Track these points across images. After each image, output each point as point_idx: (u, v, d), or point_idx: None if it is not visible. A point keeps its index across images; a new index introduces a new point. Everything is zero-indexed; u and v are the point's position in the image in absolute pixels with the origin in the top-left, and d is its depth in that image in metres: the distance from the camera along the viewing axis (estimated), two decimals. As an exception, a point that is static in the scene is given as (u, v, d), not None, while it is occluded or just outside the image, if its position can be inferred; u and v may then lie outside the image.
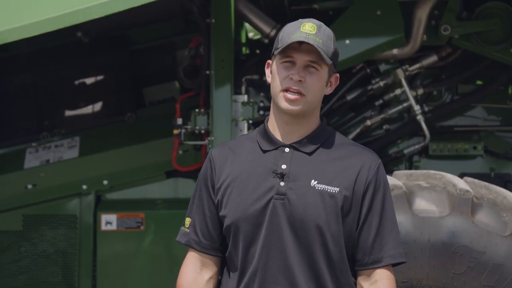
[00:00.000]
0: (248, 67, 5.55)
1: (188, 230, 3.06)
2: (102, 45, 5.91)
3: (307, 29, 2.90)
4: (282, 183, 2.89)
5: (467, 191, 4.08)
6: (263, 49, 5.74)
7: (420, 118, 5.37)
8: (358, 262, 2.94)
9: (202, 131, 5.35)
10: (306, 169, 2.91)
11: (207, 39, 5.29)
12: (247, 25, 5.79)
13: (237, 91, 5.37)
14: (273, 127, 2.98)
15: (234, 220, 2.92)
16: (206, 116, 5.28)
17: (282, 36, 2.93)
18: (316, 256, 2.87)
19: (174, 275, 5.48)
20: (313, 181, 2.89)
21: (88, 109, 5.99)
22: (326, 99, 5.56)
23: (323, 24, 2.95)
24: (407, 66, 5.37)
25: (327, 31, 2.94)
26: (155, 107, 6.02)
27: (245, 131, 5.24)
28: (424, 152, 5.53)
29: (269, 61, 3.02)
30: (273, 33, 5.24)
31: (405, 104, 5.43)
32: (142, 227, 5.51)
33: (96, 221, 5.55)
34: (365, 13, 5.14)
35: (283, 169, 2.91)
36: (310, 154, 2.93)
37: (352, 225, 2.91)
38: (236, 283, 2.94)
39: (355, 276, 2.98)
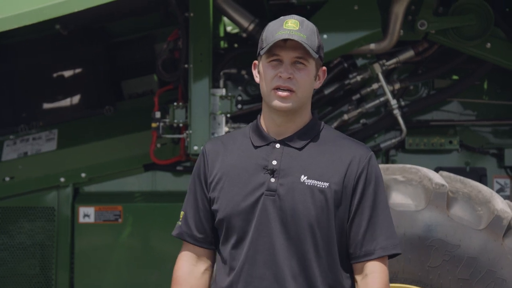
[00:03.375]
0: (226, 61, 5.55)
1: (180, 223, 3.09)
2: (81, 38, 5.90)
3: (290, 25, 2.91)
4: (272, 179, 2.91)
5: (443, 185, 4.11)
6: (242, 43, 5.75)
7: (396, 112, 5.40)
8: (352, 255, 2.94)
9: (180, 125, 5.36)
10: (296, 165, 2.92)
11: (185, 33, 5.30)
12: (225, 19, 5.80)
13: (215, 85, 5.38)
14: (265, 123, 3.00)
15: (225, 215, 2.94)
16: (184, 110, 5.29)
17: (266, 36, 2.94)
18: (305, 251, 2.88)
19: (152, 268, 5.54)
20: (302, 176, 2.91)
21: (66, 102, 5.98)
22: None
23: (305, 19, 2.97)
24: (384, 60, 5.41)
25: (310, 25, 2.96)
26: (134, 100, 6.02)
27: (223, 125, 5.26)
28: (400, 146, 5.57)
29: (256, 61, 3.03)
30: (251, 27, 5.25)
31: (382, 99, 5.46)
32: (120, 220, 5.51)
33: (74, 214, 5.54)
34: (342, 8, 5.17)
35: (273, 165, 2.92)
36: (300, 149, 2.95)
37: (343, 219, 2.92)
38: (226, 276, 2.96)
39: (351, 271, 2.98)
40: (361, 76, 5.44)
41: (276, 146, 2.95)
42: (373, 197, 2.94)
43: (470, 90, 5.62)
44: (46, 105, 6.01)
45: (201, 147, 5.13)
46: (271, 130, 2.98)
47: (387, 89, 5.40)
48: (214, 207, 2.98)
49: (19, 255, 5.56)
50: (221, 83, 5.45)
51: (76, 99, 6.01)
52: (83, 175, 5.65)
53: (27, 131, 5.86)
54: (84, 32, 5.89)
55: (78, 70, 6.03)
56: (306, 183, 2.90)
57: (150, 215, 5.52)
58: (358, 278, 2.94)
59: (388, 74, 5.55)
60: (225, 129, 5.27)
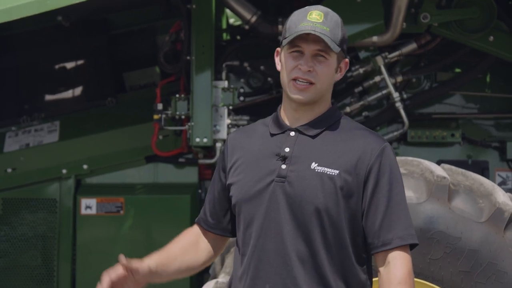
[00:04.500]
0: (228, 53, 5.56)
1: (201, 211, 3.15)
2: (83, 30, 5.90)
3: (314, 17, 2.88)
4: (283, 166, 2.90)
5: (444, 177, 4.11)
6: (244, 35, 5.75)
7: (399, 105, 5.40)
8: (370, 246, 2.91)
9: (182, 117, 5.36)
10: (308, 152, 2.91)
11: (188, 25, 5.30)
12: (228, 11, 5.80)
13: (217, 77, 5.38)
14: (284, 113, 2.99)
15: (237, 201, 2.95)
16: (186, 102, 5.29)
17: (289, 26, 2.92)
18: (313, 237, 2.86)
19: (154, 259, 5.53)
20: (313, 163, 2.89)
21: (68, 94, 5.99)
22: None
23: (330, 10, 2.93)
24: (386, 53, 5.40)
25: (334, 17, 2.92)
26: (136, 92, 6.02)
27: (225, 117, 5.26)
28: (402, 139, 5.57)
29: (278, 49, 3.01)
30: (253, 19, 5.24)
31: (384, 91, 5.46)
32: (121, 212, 5.51)
33: (75, 205, 5.55)
34: (345, 0, 5.16)
35: (286, 152, 2.92)
36: (313, 137, 2.93)
37: (356, 209, 2.89)
38: (239, 263, 2.97)
39: (369, 265, 2.96)
40: (363, 69, 5.44)
41: (291, 134, 2.95)
42: (388, 187, 2.89)
43: (473, 83, 5.62)
44: (48, 97, 6.01)
45: (203, 139, 5.17)
46: (289, 119, 2.97)
47: (389, 81, 5.40)
48: (230, 193, 3.00)
49: (21, 247, 5.57)
50: (223, 75, 5.45)
51: (78, 90, 6.01)
52: (85, 166, 5.65)
53: (29, 122, 5.86)
54: (86, 24, 5.89)
55: (80, 62, 6.03)
56: (316, 170, 2.88)
57: (152, 207, 5.53)
58: (380, 268, 2.90)
59: (390, 67, 5.55)
60: (227, 121, 5.28)
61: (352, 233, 2.90)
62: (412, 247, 2.92)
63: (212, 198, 3.09)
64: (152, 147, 5.54)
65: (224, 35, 5.88)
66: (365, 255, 2.95)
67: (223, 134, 5.26)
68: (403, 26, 5.22)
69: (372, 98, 5.48)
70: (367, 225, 2.90)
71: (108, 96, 5.84)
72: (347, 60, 3.01)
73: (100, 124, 5.81)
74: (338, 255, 2.88)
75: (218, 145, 5.30)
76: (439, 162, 5.00)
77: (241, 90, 5.63)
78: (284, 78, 2.93)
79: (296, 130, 2.95)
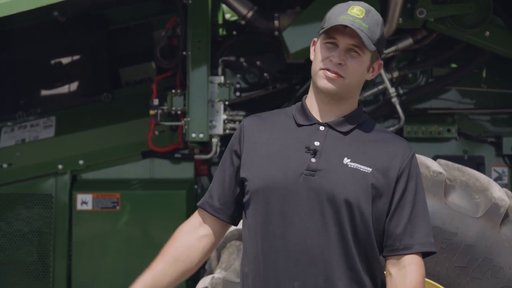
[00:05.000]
0: (225, 48, 5.55)
1: (205, 194, 3.07)
2: (79, 25, 5.89)
3: (355, 12, 2.86)
4: (313, 159, 2.86)
5: (440, 173, 4.11)
6: (240, 31, 5.74)
7: (395, 100, 5.40)
8: (388, 248, 2.90)
9: (179, 112, 5.36)
10: (340, 148, 2.88)
11: (184, 20, 5.29)
12: (224, 6, 5.79)
13: (213, 72, 5.38)
14: (310, 104, 2.95)
15: (259, 189, 2.88)
16: (183, 97, 5.29)
17: (329, 17, 2.89)
18: (344, 232, 2.82)
19: (149, 255, 5.49)
20: (346, 159, 2.86)
21: (64, 89, 5.98)
22: (302, 81, 5.59)
23: (372, 8, 2.91)
24: (382, 48, 5.39)
25: (375, 16, 2.89)
26: (132, 87, 6.02)
27: (221, 112, 5.25)
28: (398, 134, 5.56)
29: (315, 39, 2.98)
30: (250, 14, 5.23)
31: (380, 87, 5.46)
32: (117, 207, 5.51)
33: (71, 201, 5.55)
34: (341, -5, 5.16)
35: (316, 145, 2.88)
36: (345, 133, 2.91)
37: (383, 210, 2.88)
38: (254, 258, 2.89)
39: (380, 262, 2.93)
40: (359, 64, 5.43)
41: (320, 128, 2.91)
42: (414, 192, 2.90)
43: (469, 78, 5.62)
44: (44, 92, 6.00)
45: (199, 134, 5.16)
46: (316, 112, 2.94)
47: (385, 77, 5.40)
48: (246, 180, 2.92)
49: (16, 242, 5.57)
50: (220, 70, 5.45)
51: (74, 86, 6.00)
52: (81, 162, 5.65)
53: (25, 118, 5.85)
54: (82, 19, 5.88)
55: (76, 57, 6.02)
56: (349, 166, 2.85)
57: (148, 202, 5.52)
58: (393, 270, 2.89)
59: (386, 62, 5.55)
60: (223, 116, 5.27)
61: (376, 233, 2.89)
62: (426, 254, 2.93)
63: (221, 182, 3.01)
64: (148, 143, 5.54)
65: (220, 30, 5.87)
66: (379, 255, 2.94)
67: (219, 130, 5.26)
68: (399, 21, 5.21)
69: (368, 93, 5.48)
70: (390, 227, 2.89)
71: (104, 92, 5.83)
72: (381, 61, 2.98)
73: (96, 119, 5.81)
74: (366, 252, 2.87)
75: (214, 140, 5.30)
76: (435, 157, 5.00)
77: (237, 86, 5.63)
78: (315, 67, 2.90)
79: (326, 124, 2.92)
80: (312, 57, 2.96)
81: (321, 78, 2.87)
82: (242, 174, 2.94)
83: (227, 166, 3.01)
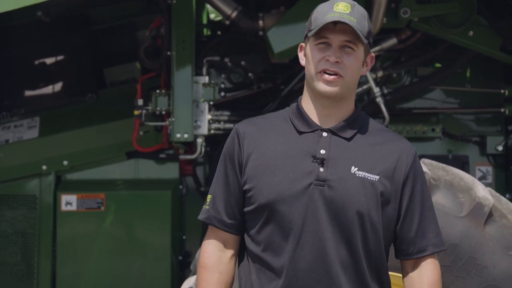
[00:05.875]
0: (209, 49, 5.54)
1: (208, 207, 2.95)
2: (63, 25, 5.87)
3: (341, 8, 2.82)
4: (321, 169, 2.80)
5: (425, 172, 4.11)
6: (225, 31, 5.74)
7: (379, 100, 5.40)
8: (403, 252, 2.90)
9: (163, 112, 5.34)
10: (346, 155, 2.83)
11: (168, 20, 5.28)
12: (208, 6, 5.78)
13: (198, 72, 5.37)
14: (308, 109, 2.88)
15: (268, 202, 2.81)
16: (167, 97, 5.28)
17: (315, 17, 2.85)
18: (355, 244, 2.80)
19: (135, 256, 5.54)
20: (353, 167, 2.82)
21: (48, 89, 5.96)
22: (287, 81, 5.59)
23: (356, 3, 2.88)
24: (367, 48, 5.40)
25: (360, 10, 2.86)
26: (116, 87, 6.00)
27: (206, 113, 5.25)
28: (383, 134, 5.57)
29: (302, 44, 2.93)
30: (234, 14, 5.23)
31: (364, 86, 5.46)
32: (102, 208, 5.50)
33: (56, 202, 5.53)
34: (325, -5, 5.15)
35: (322, 154, 2.81)
36: (349, 139, 2.86)
37: (392, 215, 2.86)
38: (267, 267, 2.84)
39: (386, 265, 2.93)
40: (344, 64, 5.43)
41: (323, 134, 2.85)
42: (421, 193, 2.90)
43: (453, 78, 5.63)
44: (28, 93, 5.98)
45: (184, 134, 5.15)
46: (315, 116, 2.87)
47: (370, 77, 5.40)
48: (251, 192, 2.84)
49: (0, 243, 5.54)
50: (204, 70, 5.44)
51: (58, 86, 5.98)
52: (65, 162, 5.63)
53: (9, 118, 5.83)
54: (66, 20, 5.87)
55: (60, 58, 6.00)
56: (357, 175, 2.81)
57: (133, 203, 5.51)
58: (410, 270, 2.91)
59: (371, 62, 5.54)
60: (208, 117, 5.27)
61: (386, 237, 2.88)
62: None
63: (227, 196, 2.91)
64: (133, 143, 5.53)
65: (205, 30, 5.86)
66: (387, 256, 2.93)
67: (204, 130, 5.25)
68: (384, 21, 5.22)
69: (352, 93, 5.47)
70: (402, 231, 2.88)
71: (88, 92, 5.81)
72: (373, 54, 2.95)
73: (80, 120, 5.79)
74: (376, 260, 2.86)
75: (199, 140, 5.29)
76: (419, 157, 5.01)
77: (222, 86, 5.62)
78: (311, 71, 2.84)
79: (329, 130, 2.86)
80: (303, 62, 2.91)
81: (320, 82, 2.82)
82: (248, 185, 2.87)
83: (230, 179, 2.91)
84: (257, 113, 4.89)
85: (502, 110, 5.57)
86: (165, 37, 5.32)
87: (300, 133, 2.87)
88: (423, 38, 5.47)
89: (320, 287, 2.80)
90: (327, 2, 2.88)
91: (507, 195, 5.56)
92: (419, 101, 5.67)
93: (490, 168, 5.65)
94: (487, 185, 5.47)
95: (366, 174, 2.82)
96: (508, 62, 5.47)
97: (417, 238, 2.89)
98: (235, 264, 2.96)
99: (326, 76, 2.81)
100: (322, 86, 2.82)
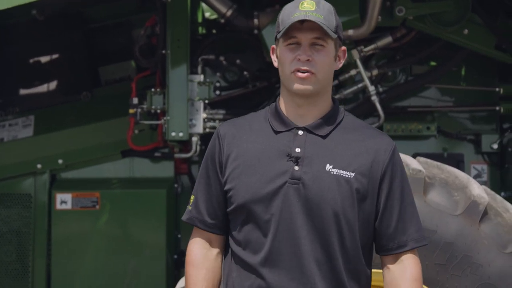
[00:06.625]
0: (204, 47, 5.54)
1: (190, 208, 3.00)
2: (58, 24, 5.86)
3: (306, 6, 2.84)
4: (296, 167, 2.83)
5: (420, 170, 4.12)
6: (220, 29, 5.73)
7: (374, 98, 5.40)
8: (383, 248, 2.91)
9: (158, 111, 5.34)
10: (321, 153, 2.85)
11: (163, 18, 5.28)
12: (203, 4, 5.78)
13: (193, 71, 5.37)
14: (285, 108, 2.91)
15: (245, 202, 2.85)
16: (162, 96, 5.28)
17: (282, 19, 2.88)
18: (330, 241, 2.82)
19: (129, 254, 5.53)
20: (328, 165, 2.83)
21: (43, 88, 5.95)
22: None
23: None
24: (362, 47, 5.40)
25: (326, 6, 2.88)
26: (111, 86, 6.00)
27: (201, 111, 5.25)
28: (378, 132, 5.57)
29: (273, 46, 2.96)
30: (229, 13, 5.23)
31: (360, 85, 5.46)
32: (97, 207, 5.49)
33: (51, 200, 5.52)
34: (320, -7, 5.15)
35: (297, 152, 2.84)
36: (324, 137, 2.87)
37: (370, 211, 2.87)
38: (240, 267, 2.88)
39: (368, 264, 2.94)
40: (339, 62, 5.43)
41: (299, 133, 2.87)
42: (401, 188, 2.90)
43: (448, 76, 5.63)
44: (23, 91, 5.97)
45: (179, 133, 5.15)
46: (291, 115, 2.90)
47: (365, 75, 5.40)
48: (231, 193, 2.89)
49: (-5, 242, 5.54)
50: (199, 69, 5.44)
51: (53, 85, 5.98)
52: (60, 161, 5.62)
53: (4, 117, 5.82)
54: (61, 18, 5.86)
55: (55, 56, 6.00)
56: (332, 172, 2.82)
57: (128, 201, 5.51)
58: (391, 266, 2.91)
59: (366, 60, 5.55)
60: (203, 115, 5.26)
61: (364, 235, 2.89)
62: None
63: (208, 197, 2.95)
64: (128, 142, 5.52)
65: (200, 29, 5.86)
66: (369, 252, 2.94)
67: (199, 128, 5.25)
68: (379, 20, 5.22)
69: (348, 91, 5.48)
70: (381, 227, 2.89)
71: (83, 91, 5.81)
72: (344, 48, 2.96)
73: (75, 118, 5.78)
74: (353, 258, 2.87)
75: (194, 139, 5.29)
76: (414, 155, 5.03)
77: (217, 84, 5.62)
78: (285, 72, 2.87)
79: (304, 129, 2.88)
80: (276, 64, 2.94)
81: (294, 81, 2.84)
82: (228, 186, 2.90)
83: (212, 179, 2.95)
84: (252, 111, 4.89)
85: (497, 108, 5.57)
86: (160, 35, 5.32)
87: (277, 132, 2.90)
88: (418, 37, 5.48)
89: (295, 285, 2.83)
90: (292, 2, 2.91)
91: (502, 193, 5.57)
92: (414, 99, 5.67)
93: (485, 166, 5.65)
94: (482, 183, 5.47)
95: (341, 171, 2.84)
96: (502, 60, 5.48)
97: (397, 233, 2.89)
98: (221, 262, 3.00)
99: (299, 74, 2.84)
100: (296, 85, 2.85)
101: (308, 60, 2.83)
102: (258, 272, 2.85)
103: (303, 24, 2.83)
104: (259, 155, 2.87)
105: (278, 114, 2.92)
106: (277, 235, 2.83)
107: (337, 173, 2.83)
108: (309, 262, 2.82)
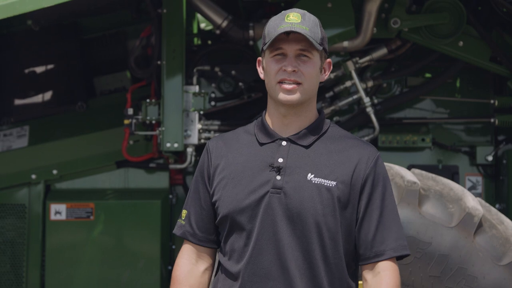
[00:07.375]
0: (199, 58, 5.55)
1: (184, 222, 3.03)
2: (53, 34, 5.86)
3: (292, 18, 2.88)
4: (278, 177, 2.87)
5: (415, 182, 4.12)
6: (215, 40, 5.74)
7: (369, 110, 5.41)
8: (361, 257, 2.92)
9: (153, 122, 5.34)
10: (303, 163, 2.88)
11: (158, 29, 5.28)
12: (199, 15, 5.79)
13: (188, 82, 5.37)
14: (270, 120, 2.96)
15: (228, 213, 2.89)
16: (157, 107, 5.28)
17: (268, 31, 2.91)
18: (312, 250, 2.85)
19: (124, 265, 5.52)
20: (309, 174, 2.87)
21: (38, 98, 5.94)
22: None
23: (306, 12, 2.94)
24: (357, 58, 5.41)
25: (311, 18, 2.93)
26: (106, 96, 5.99)
27: (196, 122, 5.24)
28: (373, 143, 5.57)
29: (259, 58, 3.00)
30: (224, 24, 5.24)
31: (355, 96, 5.47)
32: (91, 217, 5.48)
33: (45, 211, 5.51)
34: (316, 5, 5.16)
35: (279, 162, 2.88)
36: (307, 147, 2.91)
37: (351, 219, 2.89)
38: (230, 275, 2.91)
39: (353, 274, 2.95)
40: (334, 74, 5.45)
41: (282, 143, 2.92)
42: (382, 197, 2.91)
43: (443, 88, 5.64)
44: (18, 102, 5.96)
45: (174, 144, 5.14)
46: (276, 127, 2.94)
47: (360, 86, 5.41)
48: (217, 204, 2.94)
49: (-11, 253, 5.53)
50: (194, 80, 5.44)
51: (48, 95, 5.97)
52: (54, 172, 5.61)
53: (-2, 127, 5.81)
54: (56, 28, 5.86)
55: (50, 66, 5.99)
56: (313, 181, 2.86)
57: (122, 212, 5.50)
58: (368, 277, 2.91)
59: (361, 72, 5.56)
60: (198, 126, 5.26)
61: (346, 243, 2.90)
62: (401, 257, 2.93)
63: (198, 210, 3.01)
64: (123, 152, 5.51)
65: (195, 39, 5.87)
66: (354, 262, 2.95)
67: (194, 139, 5.24)
68: (374, 31, 5.24)
69: (343, 103, 5.49)
70: (360, 235, 2.90)
71: (78, 101, 5.80)
72: (329, 60, 3.01)
73: (70, 129, 5.77)
74: (335, 266, 2.88)
75: (189, 150, 5.29)
76: (409, 167, 5.03)
77: (212, 95, 5.63)
78: (270, 83, 2.91)
79: (288, 139, 2.92)
80: (262, 76, 2.98)
81: (279, 91, 2.88)
82: (214, 198, 2.96)
83: (201, 194, 3.01)
84: (247, 122, 4.89)
85: (492, 120, 5.58)
86: (155, 46, 5.32)
87: (261, 144, 2.95)
88: (413, 48, 5.49)
89: None
90: (278, 15, 2.95)
91: (497, 205, 5.57)
92: (409, 111, 5.68)
93: (480, 178, 5.65)
94: (477, 195, 5.48)
95: (323, 180, 2.87)
96: (497, 72, 5.49)
97: (375, 242, 2.89)
98: (209, 277, 3.03)
99: (285, 85, 2.88)
100: (282, 96, 2.88)
101: (294, 71, 2.87)
102: (239, 280, 2.88)
103: (289, 36, 2.87)
104: (244, 167, 2.92)
105: (263, 126, 2.97)
106: (259, 243, 2.86)
107: (318, 182, 2.87)
108: (291, 269, 2.85)
